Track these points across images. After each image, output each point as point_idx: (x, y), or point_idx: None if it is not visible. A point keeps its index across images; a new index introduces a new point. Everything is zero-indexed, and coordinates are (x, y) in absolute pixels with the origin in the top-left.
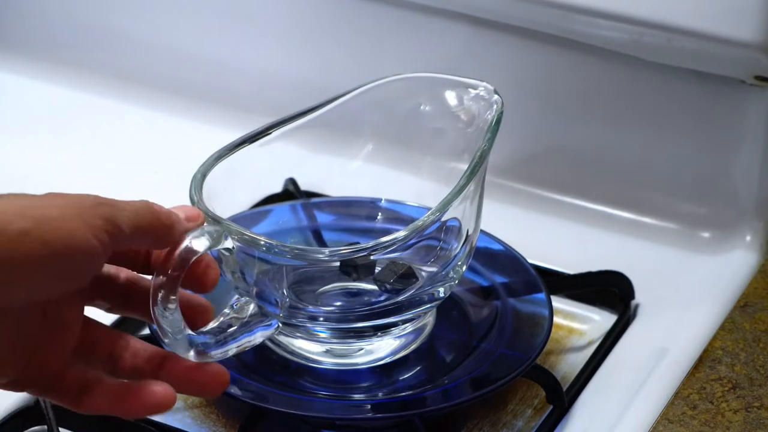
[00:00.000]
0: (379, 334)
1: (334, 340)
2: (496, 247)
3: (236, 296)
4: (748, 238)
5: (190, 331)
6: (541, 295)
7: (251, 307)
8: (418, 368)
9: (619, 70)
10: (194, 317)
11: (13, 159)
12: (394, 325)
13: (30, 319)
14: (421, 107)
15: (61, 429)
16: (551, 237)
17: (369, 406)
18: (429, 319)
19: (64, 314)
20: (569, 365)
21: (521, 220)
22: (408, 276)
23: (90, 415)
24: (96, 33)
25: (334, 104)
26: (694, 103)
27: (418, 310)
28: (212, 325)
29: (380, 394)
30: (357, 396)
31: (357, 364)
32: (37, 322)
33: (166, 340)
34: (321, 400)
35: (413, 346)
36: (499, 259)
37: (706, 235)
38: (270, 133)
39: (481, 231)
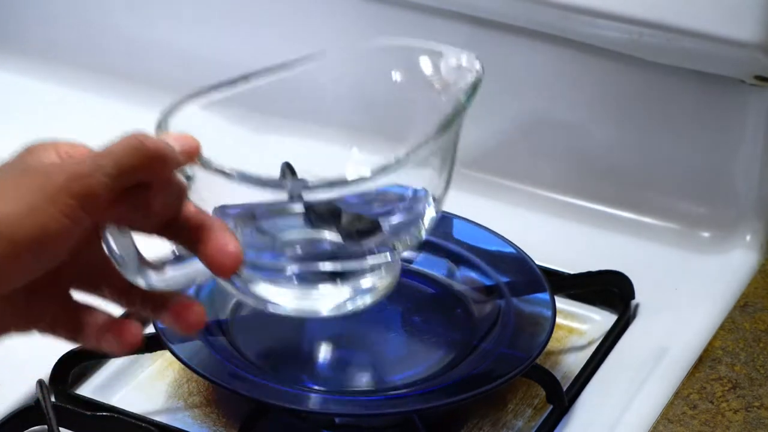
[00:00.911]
0: (339, 281)
1: (296, 283)
2: (502, 246)
3: None
4: (748, 238)
5: (141, 256)
6: (545, 295)
7: None
8: (419, 366)
9: (619, 70)
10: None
11: None
12: (354, 273)
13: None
14: (393, 76)
15: (61, 429)
16: (551, 237)
17: (368, 403)
18: (391, 277)
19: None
20: (569, 365)
21: (521, 219)
22: (371, 227)
23: (91, 414)
24: (96, 33)
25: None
26: (694, 103)
27: (376, 262)
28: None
29: (380, 391)
30: (357, 393)
31: (319, 312)
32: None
33: (114, 259)
34: (320, 396)
35: (369, 298)
36: (505, 258)
37: (706, 235)
38: (221, 90)
39: (487, 229)
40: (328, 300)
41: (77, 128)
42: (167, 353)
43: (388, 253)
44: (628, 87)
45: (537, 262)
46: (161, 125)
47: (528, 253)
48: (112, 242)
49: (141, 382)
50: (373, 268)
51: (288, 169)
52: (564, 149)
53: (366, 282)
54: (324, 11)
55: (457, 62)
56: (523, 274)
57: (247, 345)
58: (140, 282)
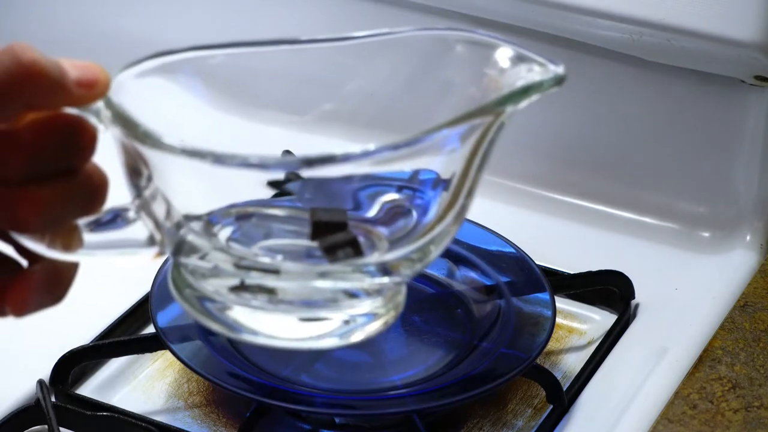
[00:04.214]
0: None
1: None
2: (502, 246)
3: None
4: (748, 238)
5: None
6: (545, 295)
7: (130, 217)
8: (419, 366)
9: (619, 70)
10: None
11: None
12: (337, 300)
13: None
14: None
15: (61, 429)
16: (551, 237)
17: (368, 403)
18: (399, 299)
19: None
20: (569, 365)
21: (521, 219)
22: (347, 245)
23: (91, 414)
24: (96, 33)
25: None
26: (694, 103)
27: (370, 282)
28: (92, 216)
29: (380, 391)
30: (357, 393)
31: (295, 339)
32: None
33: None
34: (321, 396)
35: (370, 329)
36: (505, 258)
37: (706, 235)
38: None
39: (487, 229)
40: (310, 330)
41: None
42: (167, 353)
43: (384, 277)
44: (628, 87)
45: (537, 262)
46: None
47: (528, 253)
48: None
49: (141, 382)
50: (363, 294)
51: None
52: (564, 149)
53: (356, 310)
54: (323, 11)
55: (533, 71)
56: (523, 274)
57: (247, 345)
58: (49, 253)
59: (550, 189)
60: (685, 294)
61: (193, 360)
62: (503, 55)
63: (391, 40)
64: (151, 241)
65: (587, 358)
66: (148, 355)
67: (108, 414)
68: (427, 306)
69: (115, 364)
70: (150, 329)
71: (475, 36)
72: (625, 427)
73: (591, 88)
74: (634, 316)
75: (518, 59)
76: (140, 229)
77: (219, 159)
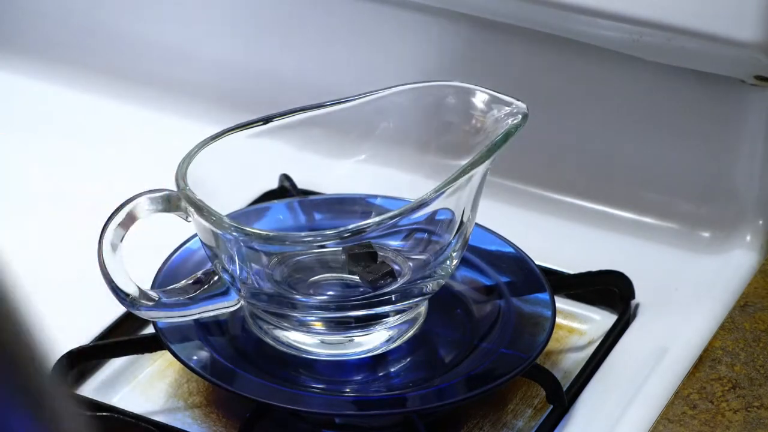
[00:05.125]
0: (365, 325)
1: (325, 331)
2: (502, 246)
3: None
4: (748, 238)
5: (147, 289)
6: (545, 295)
7: (215, 278)
8: (419, 366)
9: (619, 70)
10: None
11: (12, 159)
12: (381, 316)
13: None
14: (443, 105)
15: None
16: (551, 237)
17: (368, 403)
18: (420, 310)
19: None
20: (569, 365)
21: (521, 219)
22: (387, 276)
23: (91, 414)
24: (96, 33)
25: (355, 102)
26: (694, 103)
27: (405, 303)
28: (176, 285)
29: (380, 391)
30: (357, 393)
31: (349, 355)
32: None
33: (119, 296)
34: (321, 396)
35: (405, 337)
36: (505, 258)
37: (706, 235)
38: (267, 123)
39: (487, 229)
40: (359, 347)
41: (75, 128)
42: (167, 353)
43: (415, 298)
44: (629, 87)
45: (537, 262)
46: (180, 171)
47: (528, 253)
48: (118, 280)
49: (141, 382)
50: (402, 311)
51: (287, 180)
52: (563, 149)
53: (395, 323)
54: (322, 10)
55: (505, 111)
56: (523, 274)
57: (247, 345)
58: (143, 315)
59: (550, 189)
60: (685, 294)
61: (193, 360)
62: (480, 99)
63: (398, 92)
64: (230, 293)
65: (587, 358)
66: (148, 355)
67: (108, 414)
68: (426, 306)
69: (115, 364)
70: (150, 329)
71: (457, 84)
72: (625, 427)
73: (591, 88)
74: (634, 316)
75: (492, 101)
76: (221, 285)
77: (270, 239)
